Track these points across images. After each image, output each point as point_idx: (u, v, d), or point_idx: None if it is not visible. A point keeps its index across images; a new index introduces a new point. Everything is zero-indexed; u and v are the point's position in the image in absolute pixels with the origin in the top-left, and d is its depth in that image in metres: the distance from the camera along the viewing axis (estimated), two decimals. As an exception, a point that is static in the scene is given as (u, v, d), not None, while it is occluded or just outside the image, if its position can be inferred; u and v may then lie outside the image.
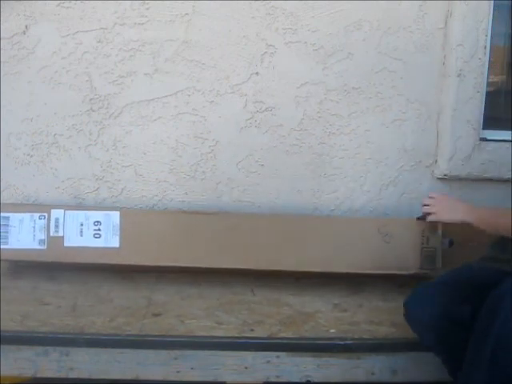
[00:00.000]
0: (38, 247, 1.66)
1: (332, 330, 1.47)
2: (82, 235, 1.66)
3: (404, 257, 1.70)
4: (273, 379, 1.43)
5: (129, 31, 1.84)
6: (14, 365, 1.41)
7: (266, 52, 1.86)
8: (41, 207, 1.69)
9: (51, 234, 1.66)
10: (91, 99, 1.88)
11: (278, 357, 1.42)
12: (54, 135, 1.90)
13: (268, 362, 1.42)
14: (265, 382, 1.44)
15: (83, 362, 1.41)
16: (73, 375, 1.42)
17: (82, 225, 1.66)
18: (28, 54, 1.85)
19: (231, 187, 1.94)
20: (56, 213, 1.67)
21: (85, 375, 1.42)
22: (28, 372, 1.42)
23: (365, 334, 1.47)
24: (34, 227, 1.65)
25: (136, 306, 1.58)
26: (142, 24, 1.83)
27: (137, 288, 1.69)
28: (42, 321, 1.47)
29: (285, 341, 1.44)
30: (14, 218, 1.67)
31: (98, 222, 1.66)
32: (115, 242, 1.66)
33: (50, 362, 1.41)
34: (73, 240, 1.66)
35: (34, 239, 1.67)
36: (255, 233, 1.69)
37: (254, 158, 1.93)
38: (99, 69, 1.86)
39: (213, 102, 1.89)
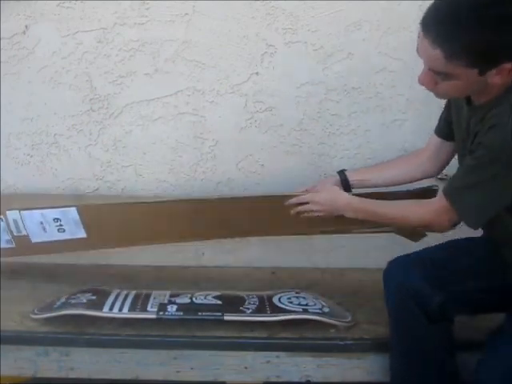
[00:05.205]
0: (7, 246, 1.67)
1: (332, 330, 1.47)
2: (45, 231, 1.64)
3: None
4: (273, 379, 1.43)
5: (129, 31, 1.84)
6: (14, 365, 1.41)
7: (266, 52, 1.86)
8: None
9: (15, 234, 1.66)
10: (91, 99, 1.88)
11: (277, 357, 1.42)
12: (54, 135, 1.90)
13: (268, 362, 1.42)
14: (265, 382, 1.44)
15: (83, 361, 1.41)
16: (73, 375, 1.42)
17: (41, 223, 1.65)
18: (28, 54, 1.85)
19: (231, 187, 1.95)
20: (12, 214, 1.65)
21: (85, 375, 1.42)
22: (28, 372, 1.42)
23: (365, 334, 1.46)
24: None
25: (136, 306, 1.58)
26: (142, 24, 1.84)
27: (136, 287, 1.68)
28: (42, 321, 1.47)
29: (285, 341, 1.43)
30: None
31: (56, 218, 1.64)
32: (82, 234, 1.65)
33: (50, 362, 1.41)
34: (38, 236, 1.66)
35: (0, 240, 1.67)
36: (219, 214, 1.58)
37: (254, 157, 1.93)
38: (99, 69, 1.86)
39: (213, 102, 1.89)
